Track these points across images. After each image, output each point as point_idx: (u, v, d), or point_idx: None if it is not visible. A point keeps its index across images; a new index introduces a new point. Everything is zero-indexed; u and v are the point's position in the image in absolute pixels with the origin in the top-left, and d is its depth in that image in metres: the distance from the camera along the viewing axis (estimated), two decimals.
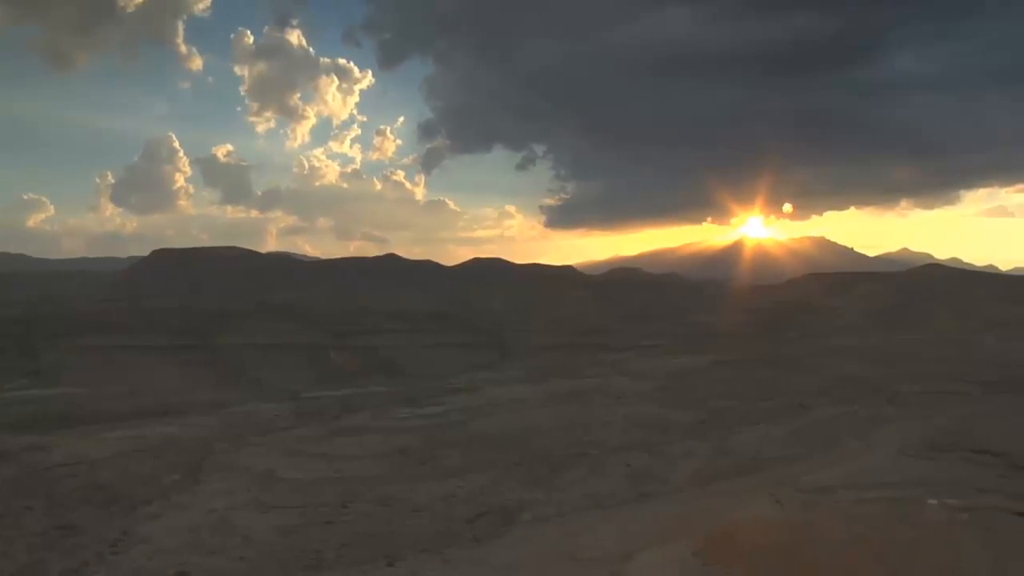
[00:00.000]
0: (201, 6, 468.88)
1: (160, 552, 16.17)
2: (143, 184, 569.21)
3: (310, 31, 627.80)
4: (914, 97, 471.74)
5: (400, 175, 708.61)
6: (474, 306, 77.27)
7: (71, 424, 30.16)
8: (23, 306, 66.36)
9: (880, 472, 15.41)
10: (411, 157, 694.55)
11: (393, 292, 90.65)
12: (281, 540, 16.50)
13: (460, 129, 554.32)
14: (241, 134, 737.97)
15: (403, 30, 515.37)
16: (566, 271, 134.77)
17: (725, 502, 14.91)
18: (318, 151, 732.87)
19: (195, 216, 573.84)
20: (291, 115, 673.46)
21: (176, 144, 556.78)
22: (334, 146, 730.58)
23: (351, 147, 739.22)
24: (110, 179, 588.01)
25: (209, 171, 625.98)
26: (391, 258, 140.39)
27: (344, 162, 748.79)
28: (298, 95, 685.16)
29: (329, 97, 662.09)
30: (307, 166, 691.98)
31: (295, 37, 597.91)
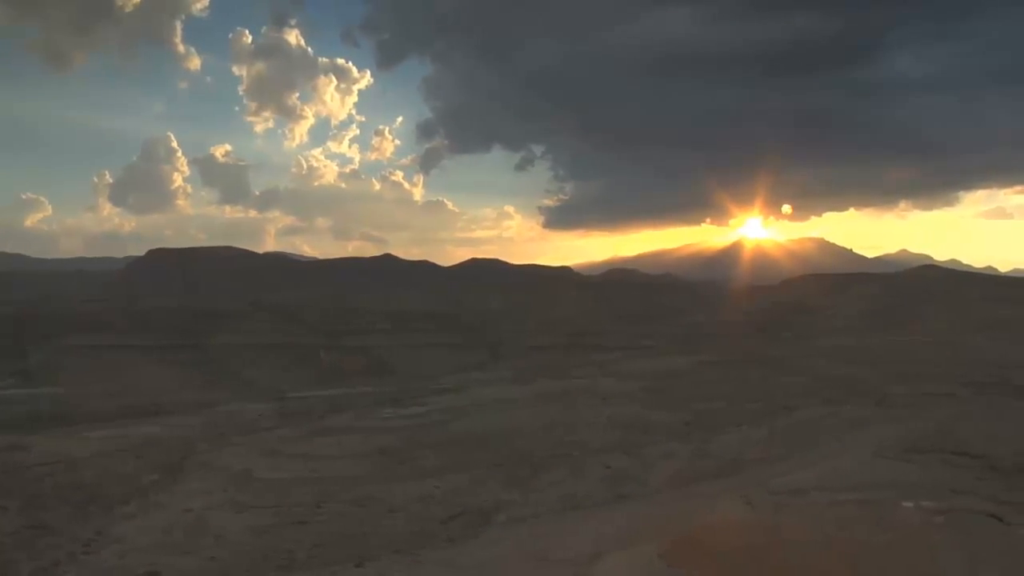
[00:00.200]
0: (199, 6, 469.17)
1: (132, 552, 16.11)
2: (141, 184, 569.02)
3: (308, 31, 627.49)
4: (913, 98, 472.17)
5: (399, 175, 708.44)
6: (469, 307, 77.22)
7: (56, 423, 30.12)
8: (17, 305, 66.30)
9: (855, 474, 15.31)
10: (410, 157, 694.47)
11: (389, 293, 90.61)
12: (254, 540, 16.43)
13: (459, 129, 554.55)
14: (239, 134, 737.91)
15: (401, 30, 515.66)
16: (563, 272, 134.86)
17: (697, 504, 14.82)
18: (316, 151, 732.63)
19: (193, 216, 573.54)
20: (289, 115, 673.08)
21: (174, 144, 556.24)
22: (332, 146, 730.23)
23: (349, 147, 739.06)
24: (108, 179, 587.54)
25: (207, 171, 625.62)
26: (388, 258, 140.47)
27: (343, 162, 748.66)
28: (296, 95, 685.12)
29: (327, 97, 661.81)
30: (305, 166, 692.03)
31: (293, 37, 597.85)
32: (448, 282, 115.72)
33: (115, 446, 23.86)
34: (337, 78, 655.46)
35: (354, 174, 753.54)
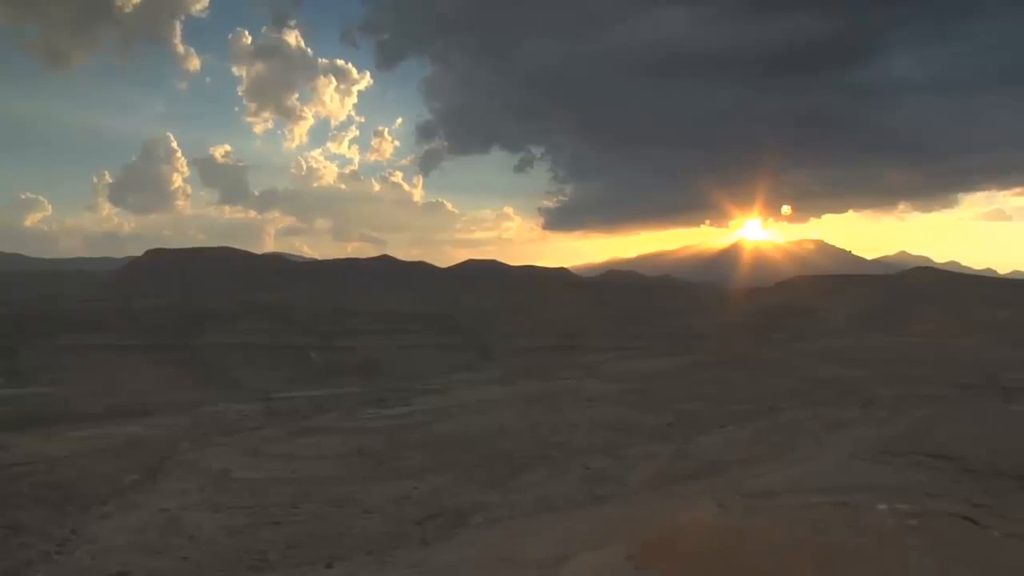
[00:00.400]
0: (199, 6, 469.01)
1: (105, 551, 16.06)
2: (141, 184, 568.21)
3: (308, 32, 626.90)
4: (912, 99, 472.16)
5: (398, 176, 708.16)
6: (463, 308, 77.18)
7: (41, 423, 30.05)
8: (11, 305, 66.24)
9: (829, 476, 15.17)
10: (409, 158, 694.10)
11: (384, 293, 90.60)
12: (227, 540, 16.37)
13: (458, 130, 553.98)
14: (239, 134, 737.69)
15: (401, 31, 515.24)
16: (560, 273, 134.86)
17: (670, 506, 14.72)
18: (316, 152, 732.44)
19: (193, 216, 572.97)
20: (289, 116, 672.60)
21: (174, 144, 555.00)
22: (332, 147, 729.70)
23: (349, 148, 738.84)
24: (108, 179, 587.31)
25: (207, 171, 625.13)
26: (385, 259, 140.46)
27: (342, 163, 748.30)
28: (296, 96, 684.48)
29: (327, 98, 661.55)
30: (305, 167, 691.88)
31: (293, 38, 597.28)
32: (444, 283, 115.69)
33: (96, 446, 23.82)
34: (337, 79, 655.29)
35: (354, 175, 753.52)
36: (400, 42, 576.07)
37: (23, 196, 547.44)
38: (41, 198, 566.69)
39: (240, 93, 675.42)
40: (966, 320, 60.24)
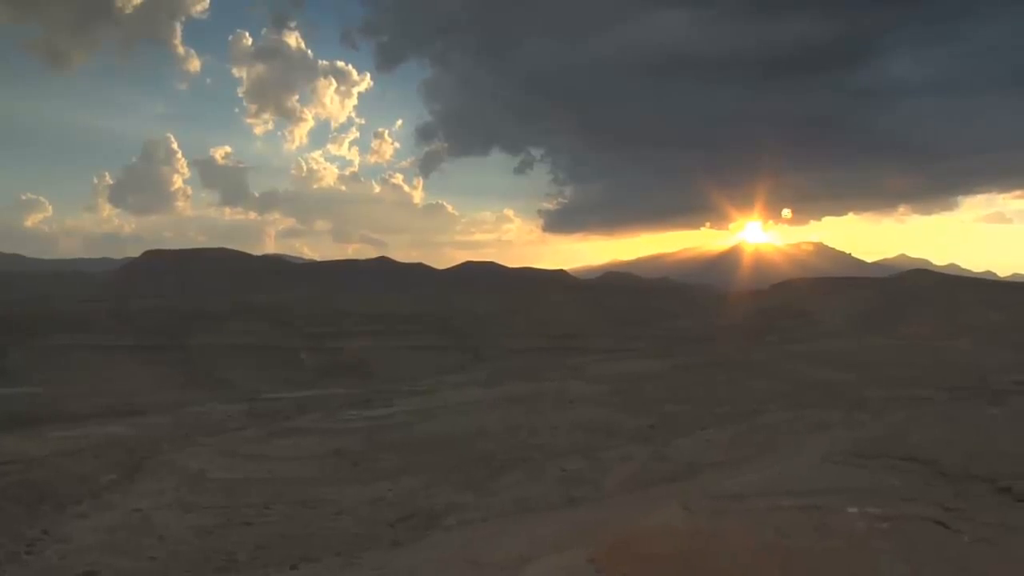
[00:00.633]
0: (199, 7, 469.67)
1: (75, 552, 16.00)
2: (141, 185, 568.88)
3: (308, 33, 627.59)
4: (912, 101, 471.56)
5: (399, 178, 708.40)
6: (459, 310, 77.11)
7: (26, 423, 30.02)
8: (4, 306, 66.27)
9: (800, 479, 15.03)
10: (409, 160, 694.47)
11: (381, 295, 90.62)
12: (197, 541, 16.30)
13: (458, 132, 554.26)
14: (239, 136, 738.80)
15: (400, 32, 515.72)
16: (557, 275, 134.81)
17: (638, 508, 14.63)
18: (316, 153, 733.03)
19: (193, 217, 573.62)
20: (289, 117, 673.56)
21: (174, 145, 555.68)
22: (332, 149, 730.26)
23: (349, 150, 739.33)
24: (108, 180, 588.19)
25: (207, 172, 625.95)
26: (383, 261, 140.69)
27: (342, 165, 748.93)
28: (296, 97, 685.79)
29: (327, 100, 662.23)
30: (305, 168, 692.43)
31: (293, 39, 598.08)
32: (441, 285, 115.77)
33: (76, 446, 23.77)
34: (337, 80, 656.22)
35: (354, 177, 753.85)
36: (400, 44, 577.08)
37: (23, 197, 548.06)
38: (41, 199, 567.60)
39: (240, 94, 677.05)
40: (961, 323, 60.00)
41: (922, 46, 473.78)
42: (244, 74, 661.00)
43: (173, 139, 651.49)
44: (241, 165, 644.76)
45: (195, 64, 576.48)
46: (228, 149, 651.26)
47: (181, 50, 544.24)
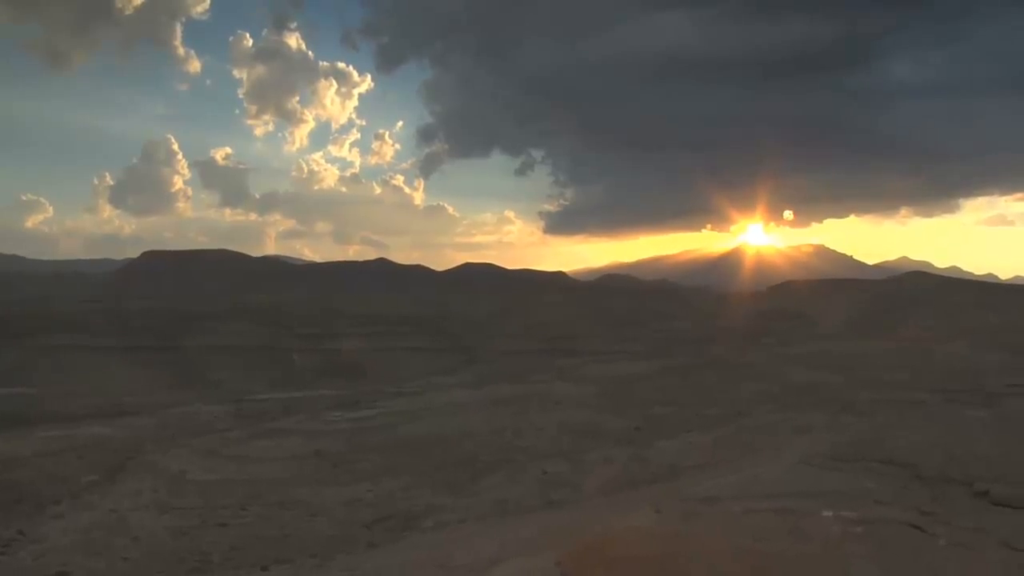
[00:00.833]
0: (199, 8, 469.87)
1: (49, 552, 15.95)
2: (141, 186, 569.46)
3: (308, 34, 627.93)
4: (914, 104, 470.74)
5: (399, 179, 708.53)
6: (455, 311, 77.05)
7: (14, 423, 29.95)
8: (2, 306, 66.24)
9: (776, 482, 14.90)
10: (410, 161, 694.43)
11: (379, 297, 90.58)
12: (172, 541, 16.25)
13: (458, 133, 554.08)
14: (240, 137, 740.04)
15: (401, 33, 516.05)
16: (556, 277, 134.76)
17: (613, 511, 14.52)
18: (317, 155, 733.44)
19: (193, 219, 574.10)
20: (290, 118, 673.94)
21: (175, 146, 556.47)
22: (333, 150, 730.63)
23: (350, 151, 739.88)
24: (108, 180, 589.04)
25: (208, 174, 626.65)
26: (382, 262, 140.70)
27: (343, 166, 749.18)
28: (297, 98, 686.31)
29: (328, 101, 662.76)
30: (306, 170, 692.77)
31: (294, 40, 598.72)
32: (439, 286, 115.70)
33: (60, 446, 23.73)
34: (337, 82, 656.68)
35: (354, 178, 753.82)
36: (400, 45, 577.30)
37: (24, 197, 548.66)
38: (42, 199, 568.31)
39: (241, 95, 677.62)
40: (958, 325, 59.79)
41: (923, 48, 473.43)
42: (244, 75, 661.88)
43: (173, 140, 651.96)
44: (241, 166, 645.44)
45: (195, 65, 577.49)
46: (228, 150, 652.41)
47: (181, 51, 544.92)
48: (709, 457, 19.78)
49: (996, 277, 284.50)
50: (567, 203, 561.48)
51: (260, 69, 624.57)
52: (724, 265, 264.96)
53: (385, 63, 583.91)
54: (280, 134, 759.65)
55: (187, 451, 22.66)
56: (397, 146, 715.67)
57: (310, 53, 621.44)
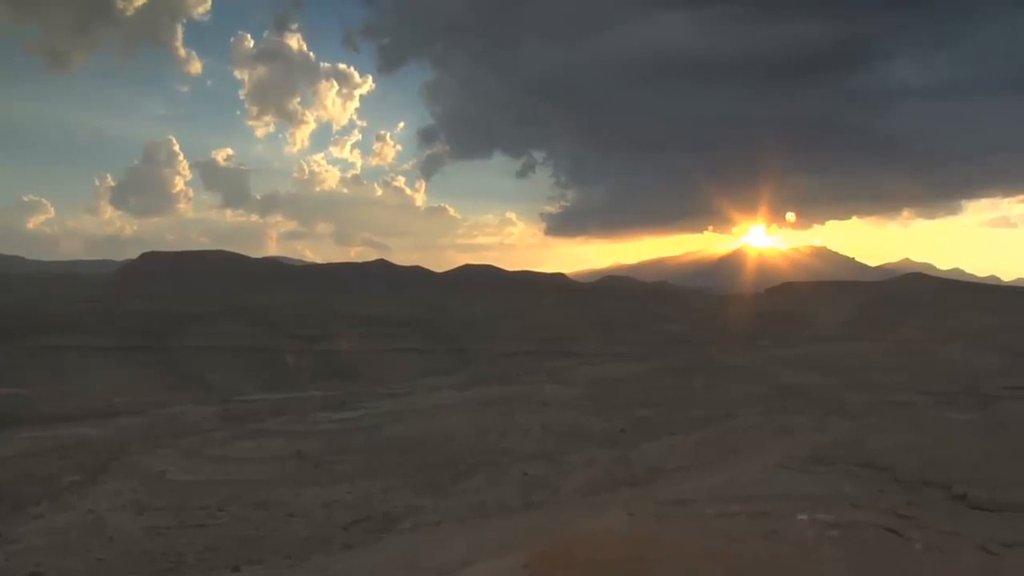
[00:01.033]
0: (200, 10, 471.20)
1: (23, 552, 15.90)
2: (143, 187, 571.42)
3: (309, 35, 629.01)
4: (916, 105, 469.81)
5: (401, 181, 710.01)
6: (452, 313, 77.03)
7: (2, 424, 29.98)
8: None
9: (752, 484, 14.82)
10: (411, 163, 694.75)
11: (376, 298, 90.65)
12: (146, 542, 16.20)
13: (459, 135, 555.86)
14: (241, 138, 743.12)
15: (401, 34, 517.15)
16: (555, 278, 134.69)
17: (588, 513, 14.43)
18: (318, 156, 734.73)
19: (194, 220, 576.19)
20: (291, 120, 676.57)
21: (176, 147, 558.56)
22: (334, 151, 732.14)
23: (351, 152, 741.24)
24: (110, 181, 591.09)
25: (209, 175, 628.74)
26: (381, 263, 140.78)
27: (344, 167, 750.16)
28: (298, 99, 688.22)
29: (329, 102, 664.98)
30: (307, 171, 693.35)
31: (295, 41, 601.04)
32: (438, 288, 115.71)
33: (44, 446, 23.72)
34: (338, 83, 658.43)
35: (356, 179, 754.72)
36: (401, 46, 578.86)
37: (25, 198, 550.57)
38: (44, 200, 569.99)
39: (242, 96, 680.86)
40: (954, 327, 59.60)
41: (925, 49, 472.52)
42: (245, 76, 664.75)
43: (175, 141, 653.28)
44: (243, 167, 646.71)
45: (196, 66, 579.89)
46: (230, 151, 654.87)
47: (182, 52, 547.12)
48: (690, 459, 19.66)
49: (998, 279, 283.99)
50: (568, 205, 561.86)
51: (261, 70, 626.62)
52: (726, 267, 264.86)
53: (386, 64, 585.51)
54: (281, 135, 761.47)
55: (170, 451, 22.63)
56: (398, 147, 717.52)
57: (311, 54, 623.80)
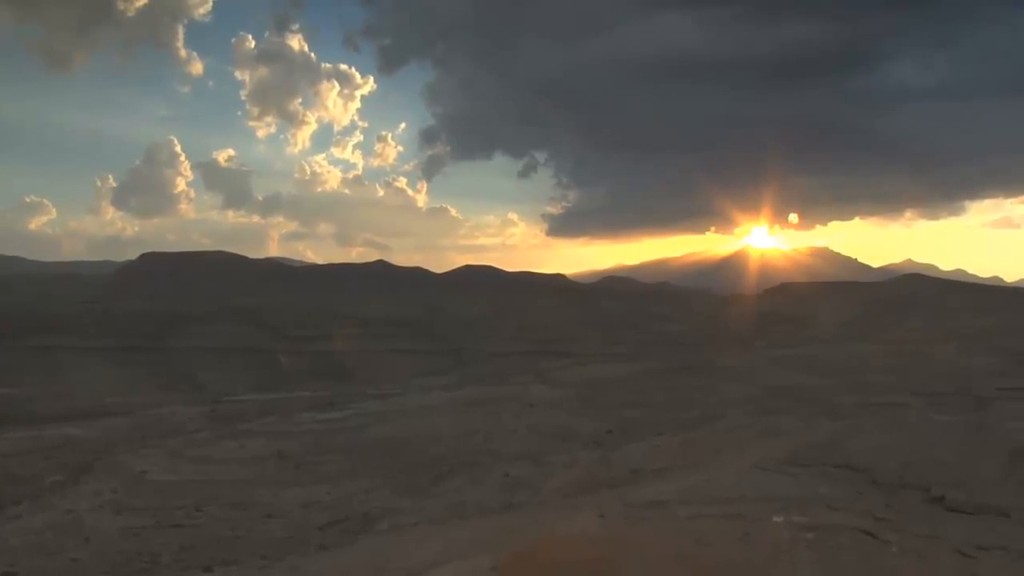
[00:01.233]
0: (201, 10, 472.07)
1: None
2: (145, 188, 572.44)
3: (310, 36, 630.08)
4: (918, 106, 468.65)
5: (402, 182, 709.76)
6: (449, 313, 76.92)
7: None
8: None
9: (727, 486, 14.71)
10: (412, 163, 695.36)
11: (374, 298, 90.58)
12: (122, 542, 16.16)
13: (461, 135, 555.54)
14: (242, 139, 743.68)
15: (403, 35, 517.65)
16: (555, 279, 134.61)
17: (559, 515, 14.33)
18: (320, 156, 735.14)
19: (196, 220, 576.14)
20: (292, 120, 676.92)
21: (178, 148, 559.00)
22: (336, 152, 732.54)
23: (352, 153, 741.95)
24: (111, 182, 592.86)
25: (210, 175, 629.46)
26: (380, 264, 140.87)
27: (346, 168, 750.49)
28: (299, 100, 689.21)
29: (330, 103, 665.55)
30: (309, 172, 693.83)
31: (296, 42, 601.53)
32: (437, 288, 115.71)
33: (28, 447, 23.71)
34: (339, 83, 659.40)
35: (357, 180, 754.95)
36: (402, 46, 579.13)
37: (27, 199, 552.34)
38: (45, 201, 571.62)
39: (243, 97, 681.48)
40: (952, 328, 59.27)
41: (926, 49, 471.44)
42: (247, 77, 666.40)
43: (176, 142, 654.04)
44: (244, 168, 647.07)
45: (197, 67, 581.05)
46: (231, 152, 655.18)
47: (183, 53, 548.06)
48: (673, 460, 19.53)
49: (1001, 280, 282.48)
50: (570, 205, 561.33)
51: (262, 71, 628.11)
52: (728, 268, 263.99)
53: (387, 65, 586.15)
54: (282, 136, 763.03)
55: (154, 452, 22.60)
56: (400, 148, 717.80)
57: (312, 55, 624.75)
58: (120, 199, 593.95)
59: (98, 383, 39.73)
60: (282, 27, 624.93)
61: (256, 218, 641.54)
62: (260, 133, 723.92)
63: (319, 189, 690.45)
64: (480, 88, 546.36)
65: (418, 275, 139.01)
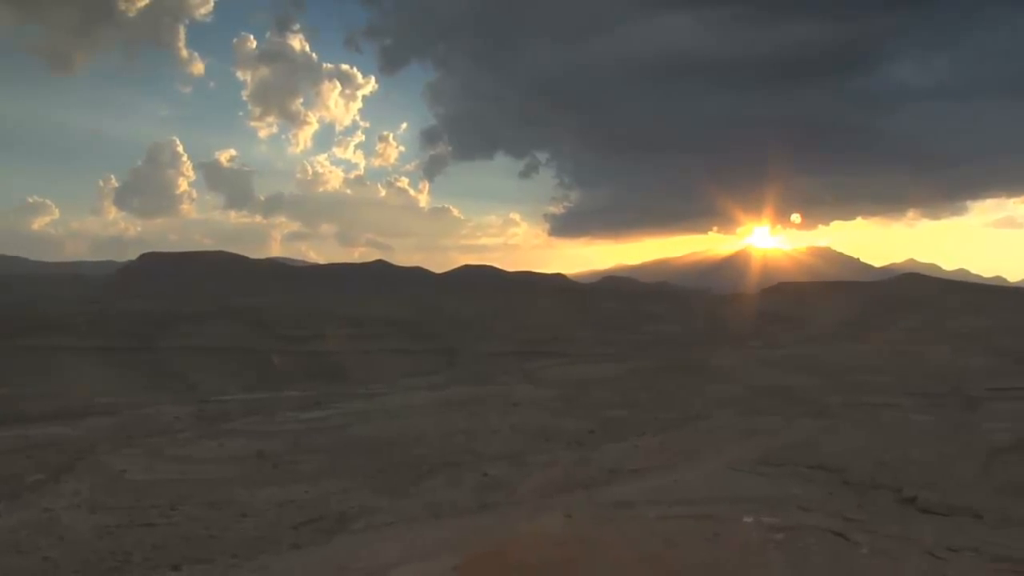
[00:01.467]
0: (202, 11, 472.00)
1: None
2: (147, 188, 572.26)
3: (312, 36, 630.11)
4: (921, 106, 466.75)
5: (404, 182, 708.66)
6: (446, 313, 76.93)
7: None
8: None
9: (698, 487, 14.69)
10: (414, 163, 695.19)
11: (372, 298, 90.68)
12: (95, 541, 16.15)
13: (462, 135, 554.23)
14: (243, 139, 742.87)
15: (404, 35, 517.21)
16: (554, 279, 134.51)
17: (527, 515, 14.30)
18: (321, 157, 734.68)
19: (198, 221, 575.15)
20: (293, 120, 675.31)
21: (179, 148, 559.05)
22: (337, 152, 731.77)
23: (354, 153, 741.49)
24: (114, 183, 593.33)
25: (212, 176, 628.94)
26: (380, 264, 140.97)
27: (347, 168, 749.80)
28: (300, 100, 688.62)
29: (331, 103, 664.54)
30: (310, 172, 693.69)
31: (297, 42, 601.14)
32: (436, 288, 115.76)
33: (11, 446, 23.72)
34: (341, 83, 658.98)
35: (359, 180, 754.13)
36: (403, 47, 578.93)
37: (30, 200, 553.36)
38: (48, 201, 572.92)
39: (244, 97, 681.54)
40: (948, 328, 59.10)
41: (927, 50, 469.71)
42: (248, 77, 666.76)
43: (178, 142, 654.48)
44: (246, 168, 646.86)
45: (199, 67, 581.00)
46: (233, 152, 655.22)
47: (185, 53, 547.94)
48: (652, 460, 19.50)
49: (1004, 279, 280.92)
50: (572, 205, 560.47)
51: (264, 71, 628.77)
52: (729, 267, 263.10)
53: (388, 65, 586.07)
54: (284, 136, 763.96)
55: (135, 452, 22.61)
56: (401, 148, 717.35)
57: (313, 55, 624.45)
58: (122, 199, 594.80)
59: (90, 383, 39.79)
60: (283, 27, 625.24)
61: (258, 218, 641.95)
62: (262, 133, 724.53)
63: (321, 189, 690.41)
64: (481, 88, 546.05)
65: (418, 275, 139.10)
